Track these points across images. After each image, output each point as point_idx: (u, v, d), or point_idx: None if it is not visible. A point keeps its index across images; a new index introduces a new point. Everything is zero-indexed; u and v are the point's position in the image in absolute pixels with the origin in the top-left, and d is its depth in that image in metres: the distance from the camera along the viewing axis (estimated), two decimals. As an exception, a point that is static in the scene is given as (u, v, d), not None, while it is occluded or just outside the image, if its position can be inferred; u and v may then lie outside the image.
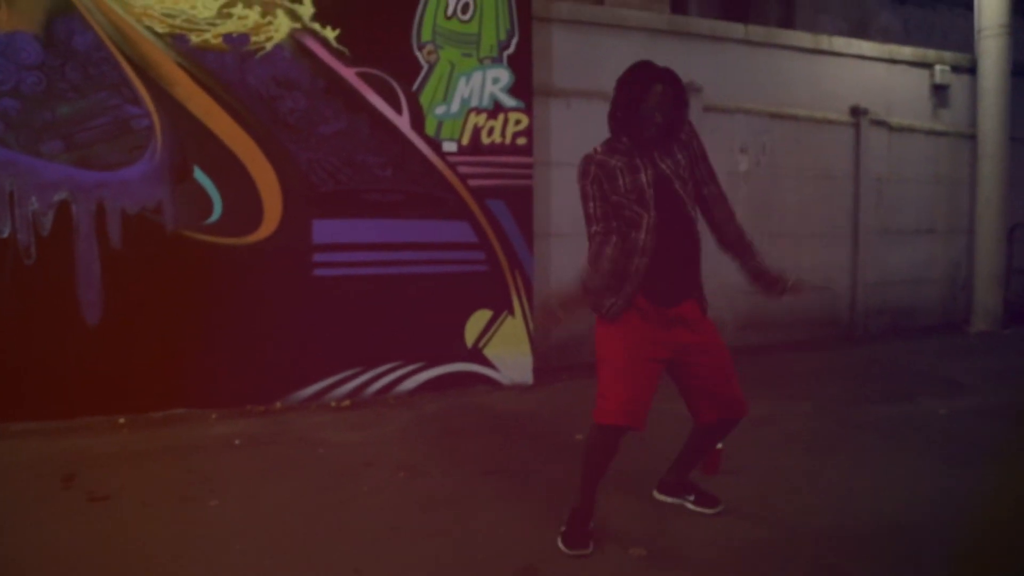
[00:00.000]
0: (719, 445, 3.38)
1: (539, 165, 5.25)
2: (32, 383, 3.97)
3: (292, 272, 4.44)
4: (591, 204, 2.62)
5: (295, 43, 4.34)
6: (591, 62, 5.55)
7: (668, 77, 2.56)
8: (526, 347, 5.03)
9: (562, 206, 5.45)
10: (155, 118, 4.11)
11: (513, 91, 4.87)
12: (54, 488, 3.17)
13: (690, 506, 3.00)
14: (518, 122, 4.90)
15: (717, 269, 6.12)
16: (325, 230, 4.50)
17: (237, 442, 3.83)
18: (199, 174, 4.22)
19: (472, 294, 4.87)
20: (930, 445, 3.80)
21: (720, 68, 6.06)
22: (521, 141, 4.92)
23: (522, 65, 4.91)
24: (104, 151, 4.03)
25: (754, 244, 2.80)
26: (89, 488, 3.16)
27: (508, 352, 4.98)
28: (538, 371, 5.16)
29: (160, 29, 4.08)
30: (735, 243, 2.76)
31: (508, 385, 4.98)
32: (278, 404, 4.45)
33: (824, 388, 5.01)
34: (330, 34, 4.41)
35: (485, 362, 4.93)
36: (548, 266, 5.46)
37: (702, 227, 2.70)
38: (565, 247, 5.50)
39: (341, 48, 4.44)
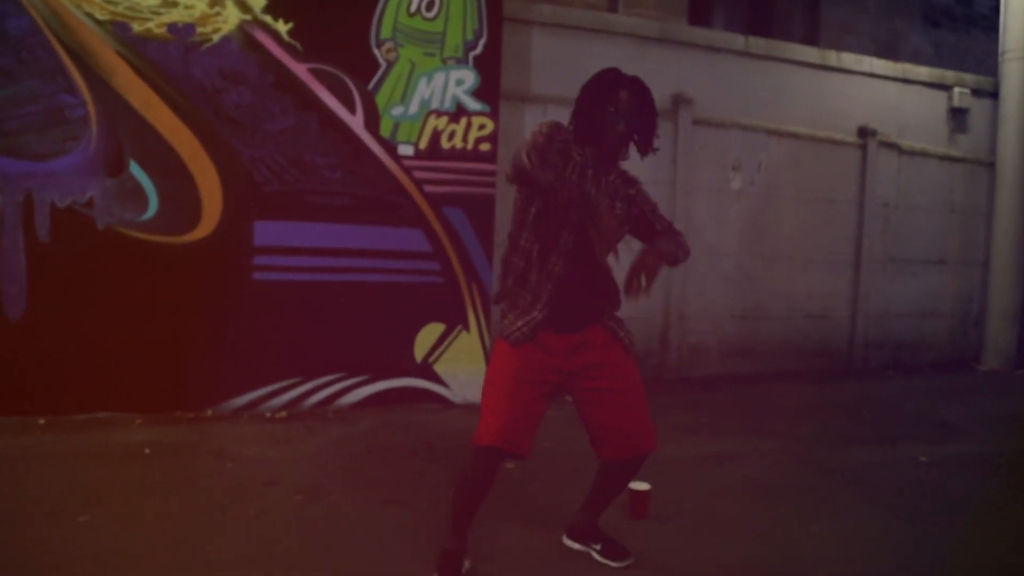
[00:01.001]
0: (645, 486, 3.08)
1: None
2: (-54, 377, 3.83)
3: (230, 275, 4.24)
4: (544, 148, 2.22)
5: (244, 35, 4.16)
6: (573, 68, 5.21)
7: (636, 87, 2.36)
8: (481, 364, 4.74)
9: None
10: (91, 108, 3.96)
11: (478, 94, 4.62)
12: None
13: (596, 556, 2.69)
14: (482, 127, 4.65)
15: (702, 290, 5.84)
16: (267, 232, 4.29)
17: (147, 451, 3.62)
18: (135, 168, 4.04)
19: (424, 306, 4.62)
20: (897, 497, 3.43)
21: (716, 80, 5.73)
22: (485, 147, 4.66)
23: (489, 68, 4.66)
24: (34, 140, 3.88)
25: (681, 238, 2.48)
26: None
27: (461, 369, 4.71)
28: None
29: (100, 16, 3.93)
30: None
31: (459, 403, 4.71)
32: (209, 412, 4.24)
33: (801, 425, 4.63)
34: (282, 27, 4.22)
35: (435, 378, 4.67)
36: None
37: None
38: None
39: (293, 42, 4.24)
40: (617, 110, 2.31)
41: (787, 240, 6.07)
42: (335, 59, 4.32)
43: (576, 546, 2.75)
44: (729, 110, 5.77)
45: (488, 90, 4.67)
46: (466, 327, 4.72)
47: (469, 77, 4.60)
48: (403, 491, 3.23)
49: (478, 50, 4.61)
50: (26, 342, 3.93)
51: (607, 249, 2.27)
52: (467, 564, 2.51)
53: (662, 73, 5.47)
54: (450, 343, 4.69)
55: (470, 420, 4.43)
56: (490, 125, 4.67)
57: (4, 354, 3.89)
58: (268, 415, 4.32)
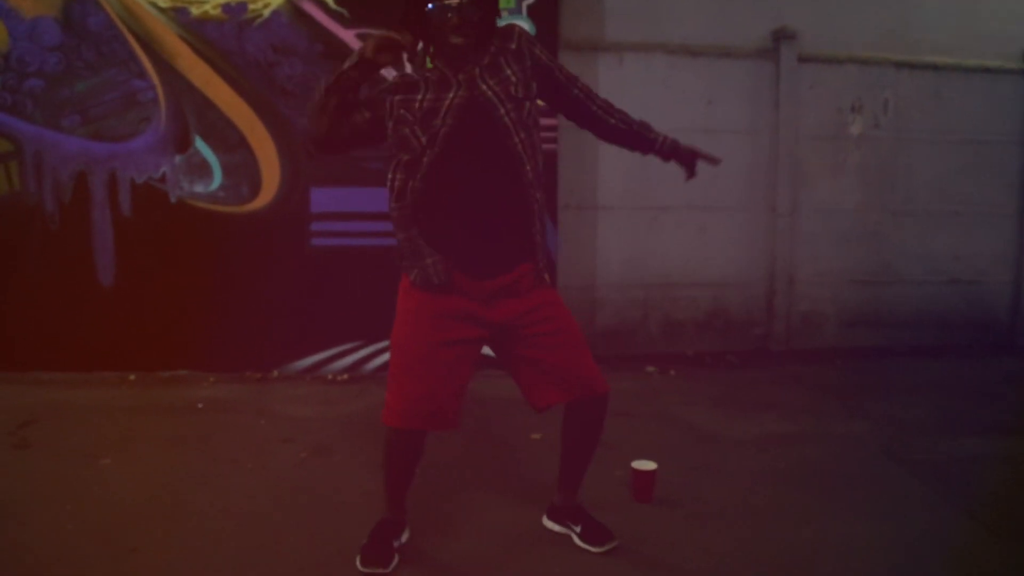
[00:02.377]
0: (651, 465, 2.78)
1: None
2: (55, 337, 4.36)
3: (290, 241, 4.41)
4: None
5: (292, 8, 4.27)
6: (654, 10, 4.85)
7: None
8: (545, 331, 4.56)
9: (610, 175, 4.87)
10: (159, 91, 4.27)
11: (532, 47, 4.38)
12: (2, 431, 3.43)
13: (576, 539, 2.44)
14: (536, 82, 4.41)
15: (815, 252, 5.12)
16: (323, 198, 4.41)
17: (200, 406, 3.89)
18: (200, 143, 4.32)
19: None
20: (988, 500, 2.80)
21: (825, 8, 4.99)
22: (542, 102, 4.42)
23: (547, 16, 4.40)
24: (115, 124, 4.28)
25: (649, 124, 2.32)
26: (24, 436, 3.37)
27: (522, 336, 4.55)
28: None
29: (163, 4, 4.22)
30: (622, 127, 2.31)
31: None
32: (275, 373, 4.47)
33: (909, 408, 3.95)
34: (328, -3, 4.28)
35: (494, 345, 4.56)
36: (594, 242, 4.91)
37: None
38: (613, 221, 4.91)
39: (340, 9, 4.29)
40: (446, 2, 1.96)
41: (923, 191, 5.18)
42: (381, 22, 4.24)
43: (556, 527, 2.52)
44: (844, 42, 5.00)
45: (546, 41, 4.39)
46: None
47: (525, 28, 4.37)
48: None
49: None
50: (118, 305, 4.37)
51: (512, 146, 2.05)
52: (404, 537, 2.40)
53: (756, 5, 4.86)
54: (510, 309, 4.54)
55: None
56: (545, 79, 4.41)
57: (100, 316, 4.36)
58: (330, 377, 4.47)
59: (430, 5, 1.98)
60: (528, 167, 2.10)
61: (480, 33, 2.04)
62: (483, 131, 2.07)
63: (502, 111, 2.06)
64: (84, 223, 4.31)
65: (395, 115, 2.08)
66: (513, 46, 2.11)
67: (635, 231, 4.91)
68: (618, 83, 4.76)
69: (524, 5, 4.37)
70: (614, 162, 4.80)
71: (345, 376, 4.48)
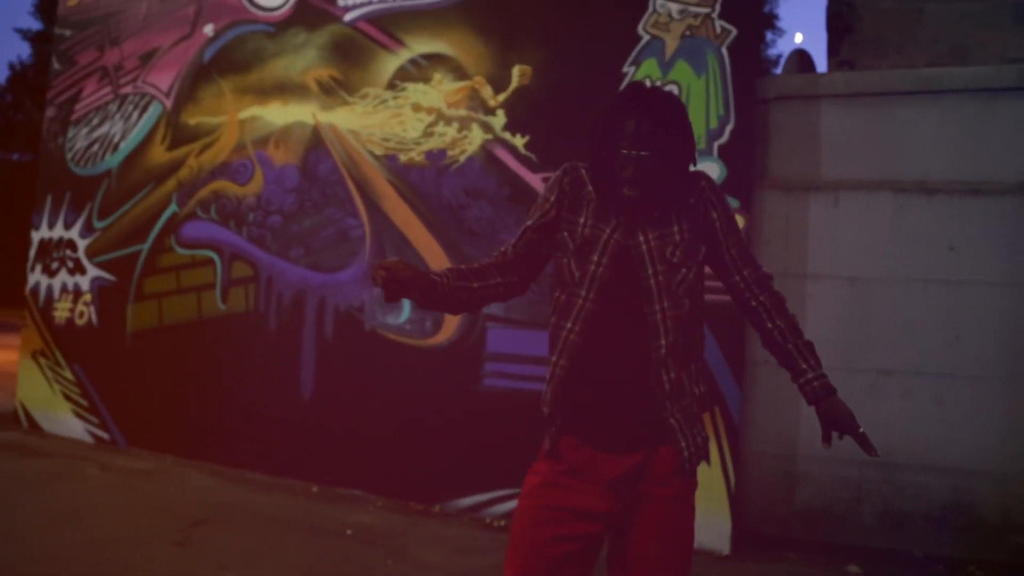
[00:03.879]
0: None
1: (790, 278, 4.20)
2: (259, 440, 4.85)
3: (464, 379, 4.46)
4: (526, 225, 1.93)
5: (486, 153, 4.46)
6: (879, 143, 4.22)
7: (649, 107, 1.75)
8: (723, 504, 3.99)
9: (819, 329, 4.20)
10: (367, 228, 4.70)
11: (725, 188, 4.03)
12: (172, 524, 3.84)
13: None
14: (727, 225, 4.03)
15: None
16: (499, 338, 4.41)
17: (348, 532, 4.00)
18: (396, 278, 4.62)
19: (652, 427, 4.11)
20: None
21: None
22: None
23: (738, 157, 4.06)
24: (329, 256, 4.77)
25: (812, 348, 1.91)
26: (189, 534, 3.73)
27: (698, 507, 4.01)
28: (748, 539, 4.04)
29: (378, 152, 4.68)
30: (777, 339, 1.90)
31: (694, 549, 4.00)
32: (437, 507, 4.47)
33: None
34: (519, 141, 4.40)
35: (660, 512, 4.08)
36: (797, 406, 4.23)
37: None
38: (822, 384, 4.20)
39: (528, 154, 4.38)
40: (628, 151, 1.72)
41: None
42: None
43: None
44: None
45: (737, 182, 4.05)
46: (706, 458, 4.02)
47: (714, 170, 4.06)
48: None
49: (723, 139, 4.07)
50: (312, 417, 4.75)
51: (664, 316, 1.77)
52: None
53: (1019, 132, 3.97)
54: (683, 473, 4.06)
55: (704, 570, 3.78)
56: (740, 222, 3.99)
57: (298, 426, 4.77)
58: (488, 520, 4.34)
59: (623, 151, 1.74)
60: (663, 341, 1.79)
61: (657, 190, 1.79)
62: (623, 289, 1.81)
63: (649, 271, 1.79)
64: (295, 342, 4.82)
65: (558, 237, 1.88)
66: (692, 200, 1.85)
67: (848, 396, 4.09)
68: (832, 226, 4.17)
69: (716, 145, 4.08)
70: (824, 311, 4.17)
71: (503, 522, 4.32)
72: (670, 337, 1.78)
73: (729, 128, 4.07)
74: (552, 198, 1.89)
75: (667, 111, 1.76)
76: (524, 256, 1.95)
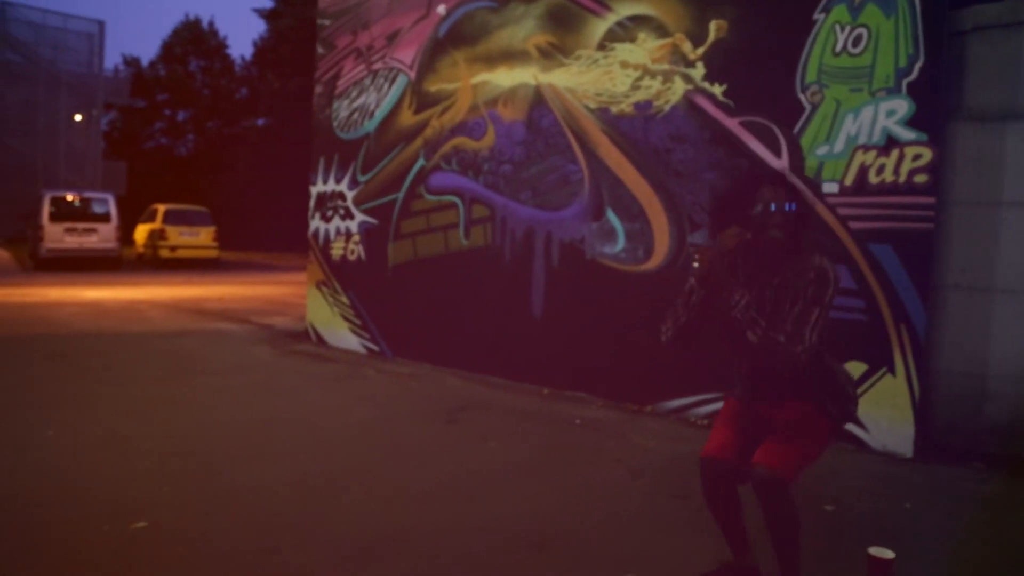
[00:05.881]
0: (889, 554, 2.82)
1: (982, 205, 4.45)
2: (498, 350, 5.91)
3: (672, 298, 5.16)
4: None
5: (687, 102, 5.05)
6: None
7: (778, 179, 2.54)
8: (907, 412, 4.42)
9: (1016, 256, 4.43)
10: (585, 173, 5.49)
11: (913, 123, 4.35)
12: (440, 409, 4.98)
13: None
14: (917, 157, 4.35)
15: None
16: (700, 264, 5.05)
17: (577, 421, 4.94)
18: (610, 214, 5.40)
19: (844, 342, 4.59)
20: None
21: None
22: (920, 179, 4.34)
23: (927, 92, 4.32)
24: (553, 198, 5.64)
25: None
26: (456, 417, 4.84)
27: (882, 413, 4.48)
28: (931, 445, 4.44)
29: (592, 105, 5.43)
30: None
31: (877, 449, 4.49)
32: (648, 408, 5.28)
33: None
34: (717, 90, 4.94)
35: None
36: (987, 327, 4.52)
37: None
38: (1016, 307, 4.44)
39: (727, 101, 4.91)
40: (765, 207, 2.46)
41: None
42: (762, 110, 4.79)
43: None
44: None
45: (925, 116, 4.34)
46: (891, 370, 4.47)
47: (902, 106, 4.38)
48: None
49: (913, 75, 4.35)
50: (543, 334, 5.72)
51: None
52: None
53: None
54: (872, 384, 4.52)
55: (887, 468, 4.28)
56: (927, 154, 4.32)
57: (531, 340, 5.77)
58: (692, 420, 5.09)
59: (772, 206, 2.48)
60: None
61: (793, 239, 2.51)
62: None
63: (758, 324, 2.49)
64: (527, 270, 5.79)
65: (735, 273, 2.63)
66: (812, 275, 2.47)
67: (1042, 315, 4.35)
68: (1030, 152, 4.33)
69: (904, 83, 4.37)
70: (1020, 237, 4.37)
71: (706, 421, 5.05)
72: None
73: (918, 65, 4.34)
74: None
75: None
76: None
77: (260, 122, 34.43)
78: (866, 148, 4.50)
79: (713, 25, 4.99)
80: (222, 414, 4.88)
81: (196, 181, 34.02)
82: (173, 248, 19.23)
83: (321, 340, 7.57)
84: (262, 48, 35.01)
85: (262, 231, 29.83)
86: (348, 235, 7.30)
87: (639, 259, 5.32)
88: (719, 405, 4.96)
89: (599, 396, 5.48)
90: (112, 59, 42.20)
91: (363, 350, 7.12)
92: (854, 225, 4.55)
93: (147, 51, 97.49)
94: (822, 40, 4.63)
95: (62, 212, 17.10)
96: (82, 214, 17.37)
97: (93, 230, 17.33)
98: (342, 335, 7.33)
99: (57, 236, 16.87)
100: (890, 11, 4.44)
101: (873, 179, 4.49)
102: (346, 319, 7.30)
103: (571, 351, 5.60)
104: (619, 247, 5.40)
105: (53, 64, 29.53)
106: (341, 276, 7.37)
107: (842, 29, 4.57)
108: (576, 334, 5.57)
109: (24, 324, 8.46)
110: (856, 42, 4.52)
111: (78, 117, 30.22)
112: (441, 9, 6.57)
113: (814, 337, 2.44)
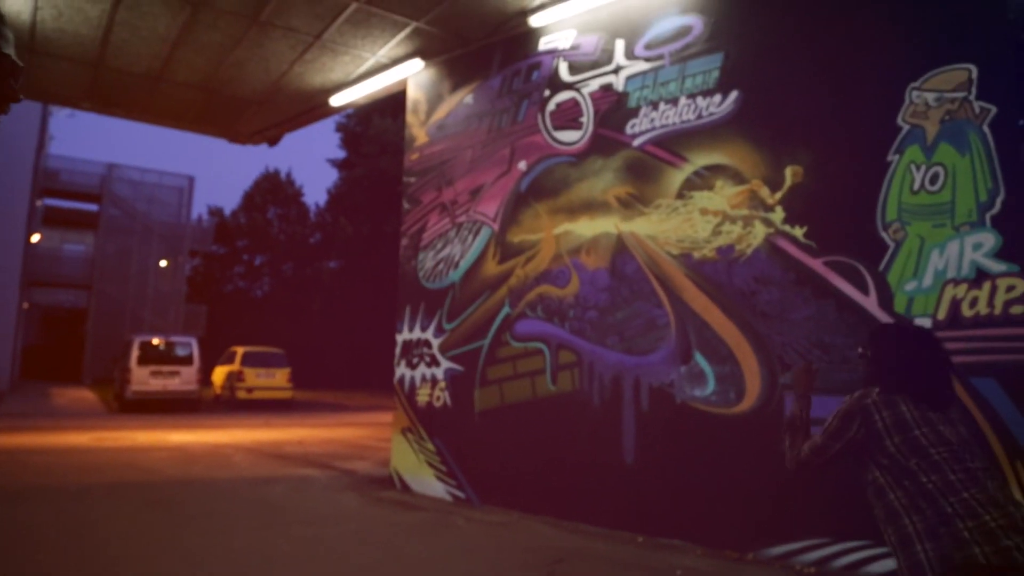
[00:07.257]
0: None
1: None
2: (589, 497, 5.84)
3: (767, 440, 5.10)
4: None
5: (769, 245, 5.20)
6: None
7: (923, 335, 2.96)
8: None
9: None
10: (671, 317, 5.62)
11: (1002, 255, 4.38)
12: (537, 561, 4.89)
13: None
14: (1010, 288, 4.34)
15: None
16: (795, 404, 5.01)
17: (679, 572, 4.79)
18: (699, 357, 5.46)
19: (956, 482, 4.42)
20: None
21: None
22: (1016, 310, 4.31)
23: (1012, 224, 4.37)
24: (640, 343, 5.76)
25: None
26: (553, 570, 4.76)
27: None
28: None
29: (674, 252, 5.63)
30: None
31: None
32: (750, 555, 5.09)
33: None
34: (798, 232, 5.09)
35: (973, 563, 4.34)
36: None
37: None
38: None
39: (808, 243, 5.05)
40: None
41: None
42: (845, 249, 4.90)
43: None
44: None
45: (1014, 248, 4.37)
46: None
47: (989, 239, 4.43)
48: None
49: (995, 209, 4.42)
50: (634, 478, 5.67)
51: None
52: None
53: None
54: (994, 526, 4.31)
55: None
56: (1021, 285, 4.32)
57: (623, 486, 5.71)
58: (797, 567, 4.88)
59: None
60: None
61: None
62: None
63: None
64: (616, 415, 5.82)
65: None
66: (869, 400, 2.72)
67: None
68: None
69: (987, 216, 4.43)
70: None
71: (812, 570, 4.84)
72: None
73: (999, 199, 4.43)
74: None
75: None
76: None
77: (332, 264, 36.17)
78: (956, 282, 4.53)
79: (789, 171, 5.22)
80: (321, 567, 4.92)
81: (271, 322, 35.48)
82: (250, 390, 19.85)
83: (406, 487, 7.61)
84: (335, 195, 37.39)
85: (333, 369, 30.61)
86: (434, 382, 7.50)
87: (731, 401, 5.32)
88: (826, 551, 4.84)
89: (697, 543, 5.32)
90: (198, 209, 45.48)
91: (449, 497, 7.12)
92: (953, 360, 4.49)
93: (230, 201, 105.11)
94: (899, 179, 4.78)
95: (148, 355, 17.99)
96: (167, 357, 18.26)
97: (176, 372, 18.13)
98: (428, 482, 7.37)
99: (143, 379, 17.70)
100: (964, 149, 4.58)
101: (967, 312, 4.48)
102: (432, 466, 7.36)
103: (665, 496, 5.51)
104: (710, 390, 5.42)
105: (147, 216, 32.11)
106: (427, 423, 7.51)
107: (917, 168, 4.72)
108: (669, 479, 5.50)
109: (118, 469, 8.78)
110: (933, 180, 4.65)
111: (163, 263, 32.32)
112: (522, 165, 7.02)
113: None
